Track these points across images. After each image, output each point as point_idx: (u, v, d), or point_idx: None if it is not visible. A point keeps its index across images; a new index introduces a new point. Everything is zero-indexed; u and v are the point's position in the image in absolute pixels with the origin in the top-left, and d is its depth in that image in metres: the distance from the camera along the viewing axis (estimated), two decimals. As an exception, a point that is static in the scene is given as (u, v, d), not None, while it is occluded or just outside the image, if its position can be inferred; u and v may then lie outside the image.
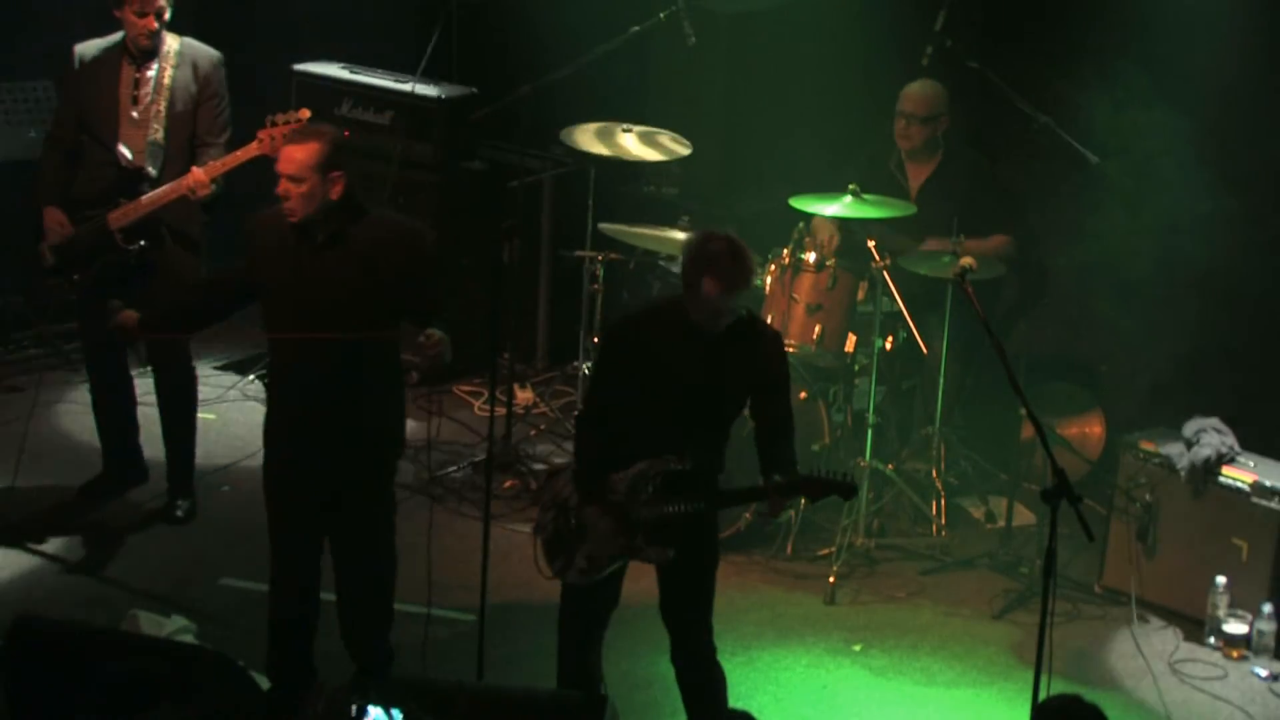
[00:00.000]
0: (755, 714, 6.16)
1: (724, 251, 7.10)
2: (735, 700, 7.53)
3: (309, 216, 7.46)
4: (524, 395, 10.48)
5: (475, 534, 7.82)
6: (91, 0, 9.00)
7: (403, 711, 6.61)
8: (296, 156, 7.45)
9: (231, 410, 10.22)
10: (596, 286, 10.13)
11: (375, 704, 6.66)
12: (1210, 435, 9.01)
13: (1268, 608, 8.73)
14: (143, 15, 8.76)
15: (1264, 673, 8.61)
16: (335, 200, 7.48)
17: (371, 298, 7.48)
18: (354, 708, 6.71)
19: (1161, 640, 8.83)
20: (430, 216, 10.14)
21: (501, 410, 9.95)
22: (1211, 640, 8.80)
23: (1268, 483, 8.81)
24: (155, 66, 8.88)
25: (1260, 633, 8.70)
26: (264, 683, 7.76)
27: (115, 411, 9.39)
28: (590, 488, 7.30)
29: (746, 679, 8.10)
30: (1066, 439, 9.76)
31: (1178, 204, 9.85)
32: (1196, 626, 8.87)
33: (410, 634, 7.93)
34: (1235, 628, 8.74)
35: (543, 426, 10.27)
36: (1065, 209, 10.04)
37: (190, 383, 9.29)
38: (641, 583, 7.50)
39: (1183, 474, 8.96)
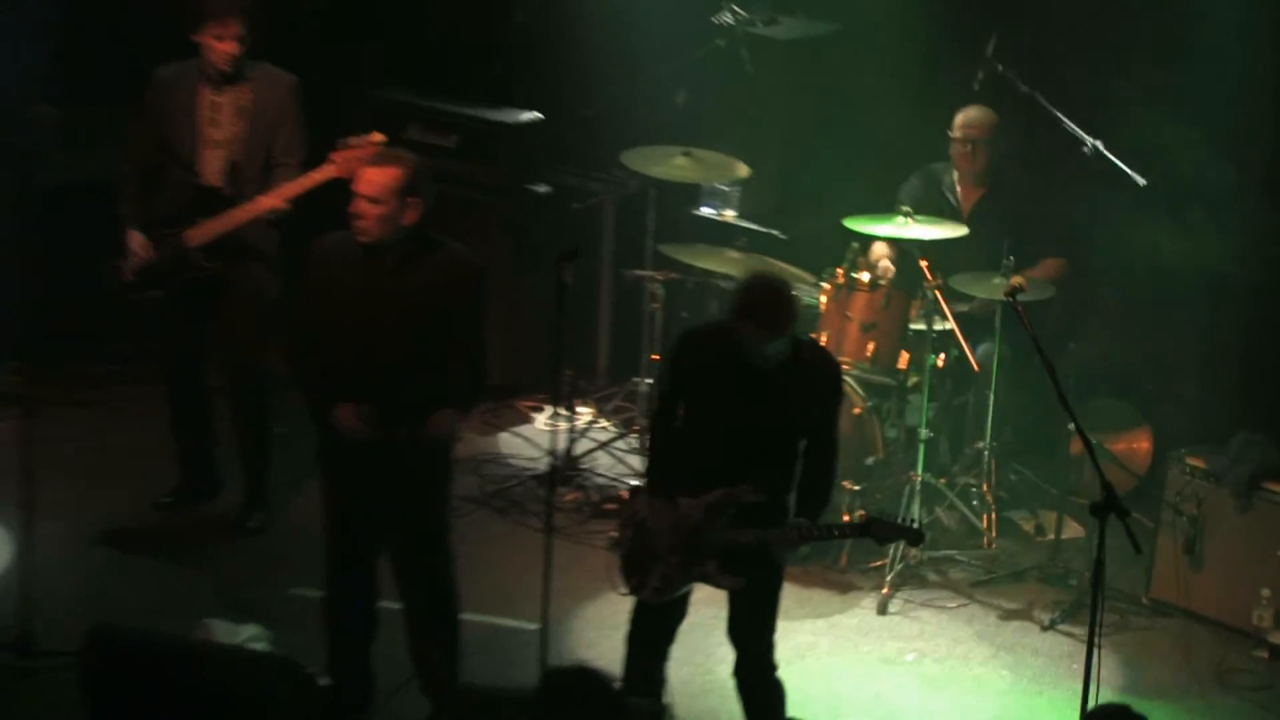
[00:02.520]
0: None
1: (764, 298, 7.14)
2: (792, 708, 7.52)
3: (381, 239, 7.47)
4: (585, 410, 10.48)
5: (537, 545, 7.82)
6: (170, 25, 9.00)
7: None
8: (377, 179, 7.45)
9: (304, 425, 10.25)
10: (656, 305, 10.17)
11: None
12: (1255, 450, 8.99)
13: (1312, 619, 8.72)
14: (221, 40, 8.82)
15: (1308, 682, 8.61)
16: (409, 226, 7.49)
17: (426, 326, 7.48)
18: None
19: (1208, 651, 8.80)
20: (494, 238, 10.17)
21: (563, 425, 9.98)
22: (1257, 651, 8.77)
23: (1312, 497, 8.81)
24: (233, 90, 8.93)
25: (1305, 644, 8.69)
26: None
27: (192, 425, 9.43)
28: (655, 485, 7.35)
29: (802, 688, 8.05)
30: (1114, 454, 9.74)
31: (1223, 225, 9.85)
32: (1243, 638, 8.85)
33: (475, 643, 7.95)
34: (1280, 639, 8.74)
35: (603, 441, 10.26)
36: (1114, 231, 10.02)
37: (265, 398, 9.31)
38: (703, 593, 7.50)
39: (1229, 488, 8.95)
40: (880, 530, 7.58)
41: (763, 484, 7.20)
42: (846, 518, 9.19)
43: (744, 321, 7.14)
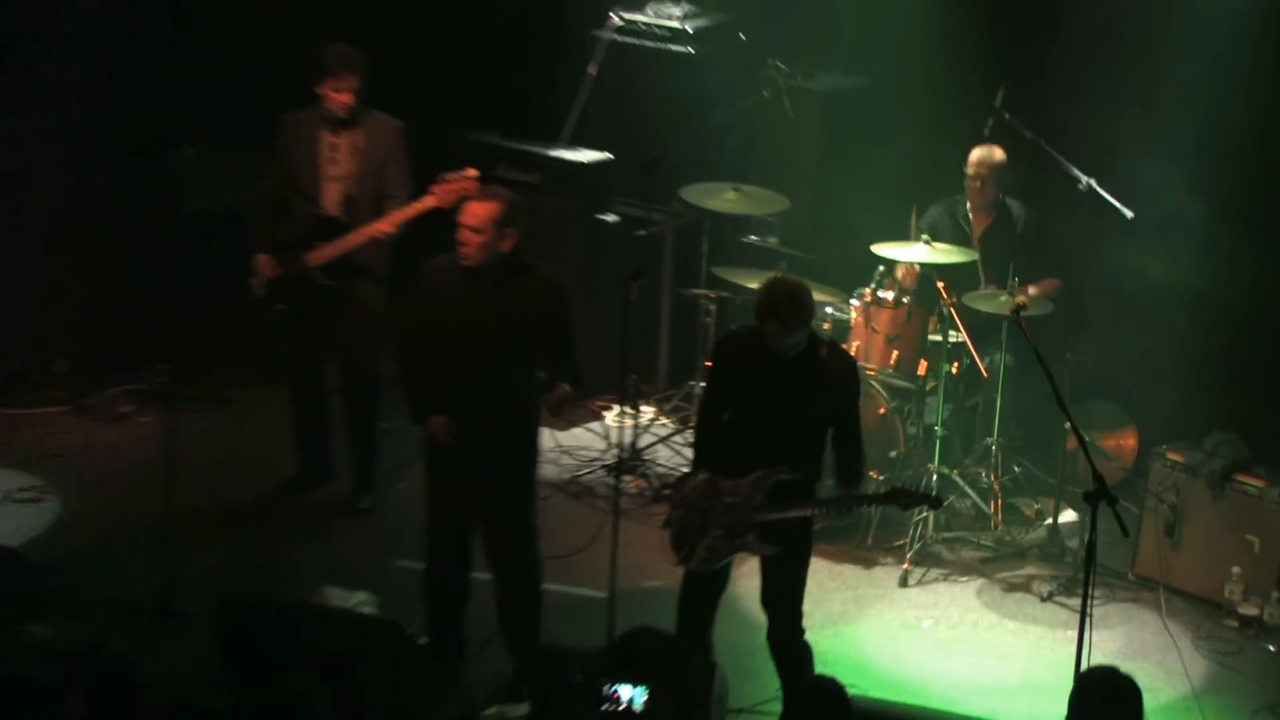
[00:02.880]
0: (840, 679, 6.14)
1: (783, 300, 7.14)
2: (822, 667, 7.49)
3: (481, 263, 7.50)
4: (648, 409, 10.50)
5: (605, 525, 7.85)
6: (296, 78, 9.05)
7: (647, 689, 6.56)
8: (479, 211, 7.49)
9: (405, 420, 10.27)
10: (709, 319, 10.16)
11: (625, 681, 6.62)
12: (1227, 447, 8.97)
13: (1276, 594, 8.66)
14: (339, 91, 8.86)
15: (1273, 649, 8.56)
16: (505, 252, 7.52)
17: (517, 339, 7.51)
18: (606, 683, 6.67)
19: (1185, 620, 8.77)
20: (571, 261, 10.16)
21: (629, 422, 10.00)
22: (1228, 621, 8.75)
23: (1277, 489, 8.75)
24: (349, 133, 8.96)
25: (1270, 614, 8.65)
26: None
27: (311, 420, 9.44)
28: (700, 468, 7.37)
29: (832, 649, 8.08)
30: (1105, 449, 9.70)
31: (1199, 250, 9.82)
32: (1215, 609, 8.82)
33: (552, 608, 7.98)
34: (1249, 610, 8.70)
35: (663, 436, 10.27)
36: (1104, 255, 9.99)
37: (374, 397, 9.32)
38: (742, 569, 7.52)
39: (1204, 480, 8.92)
40: (904, 497, 7.58)
41: (794, 466, 7.22)
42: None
43: (767, 319, 7.16)
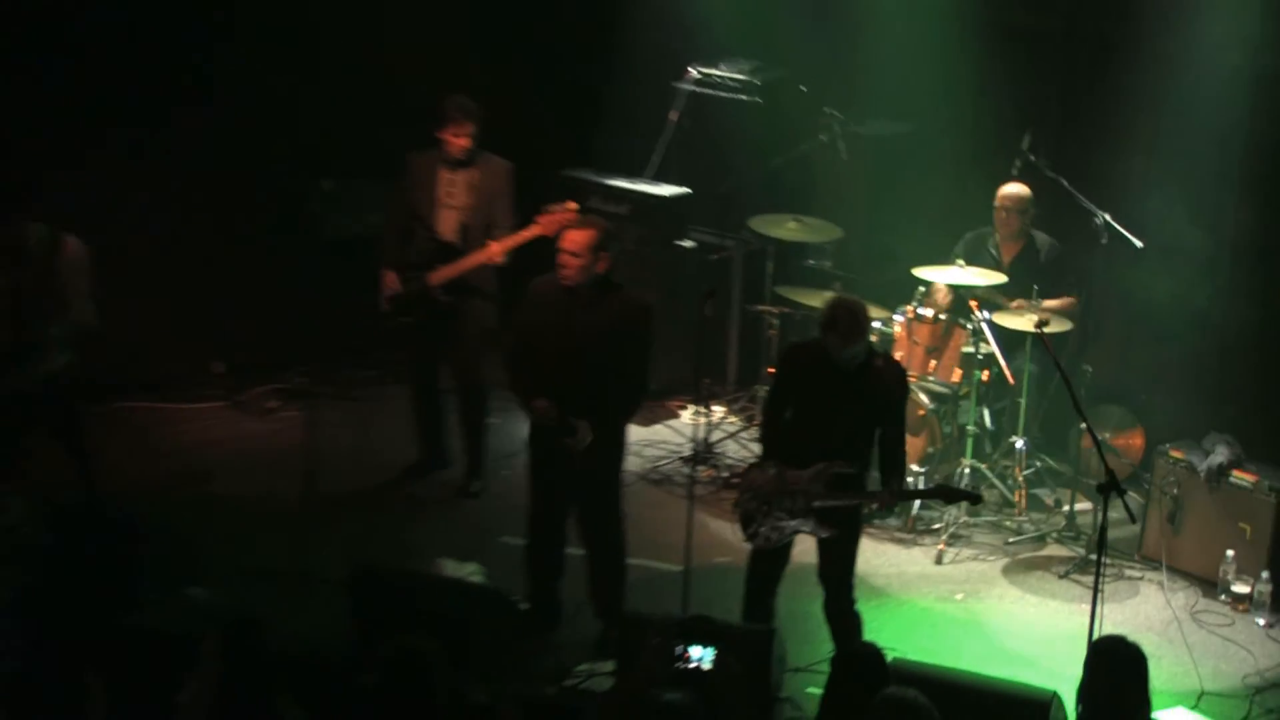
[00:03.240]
0: (883, 645, 6.14)
1: (843, 316, 7.14)
2: (868, 634, 7.51)
3: (579, 283, 7.53)
4: (719, 409, 10.51)
5: (681, 509, 7.85)
6: (420, 120, 9.10)
7: (715, 650, 6.57)
8: (578, 238, 7.51)
9: (510, 416, 10.31)
10: (772, 332, 10.17)
11: (696, 643, 6.64)
12: (1223, 447, 8.90)
13: (1265, 574, 8.60)
14: (458, 136, 8.91)
15: (1262, 622, 8.49)
16: (600, 274, 7.55)
17: (607, 349, 7.52)
18: (680, 645, 6.69)
19: (1184, 596, 8.72)
20: (653, 281, 10.15)
21: (702, 420, 10.02)
22: (1222, 597, 8.69)
23: (1266, 482, 8.70)
24: (465, 172, 8.99)
25: (1259, 592, 8.58)
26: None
27: (429, 415, 9.48)
28: (767, 459, 7.39)
29: (877, 618, 8.05)
30: (1116, 448, 9.64)
31: (1199, 275, 9.75)
32: (1211, 587, 8.75)
33: (635, 581, 8.01)
34: (1240, 588, 8.63)
35: (732, 432, 10.30)
36: (1117, 279, 9.94)
37: (483, 397, 9.35)
38: (800, 547, 7.53)
39: (1202, 474, 8.86)
40: (949, 494, 7.61)
41: (848, 460, 7.22)
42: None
43: (829, 333, 7.16)
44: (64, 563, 7.47)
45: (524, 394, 7.74)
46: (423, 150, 9.07)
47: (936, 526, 9.21)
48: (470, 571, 8.32)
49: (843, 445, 7.23)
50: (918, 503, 9.20)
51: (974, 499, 7.64)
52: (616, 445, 7.82)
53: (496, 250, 8.81)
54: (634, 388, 7.69)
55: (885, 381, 7.28)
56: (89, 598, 7.14)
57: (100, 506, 8.05)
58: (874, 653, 6.03)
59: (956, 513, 9.18)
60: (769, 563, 7.48)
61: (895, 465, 7.34)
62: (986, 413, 9.57)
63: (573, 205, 8.56)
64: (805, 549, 7.53)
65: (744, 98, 10.76)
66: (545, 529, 7.90)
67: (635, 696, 5.78)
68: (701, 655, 6.50)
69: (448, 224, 8.99)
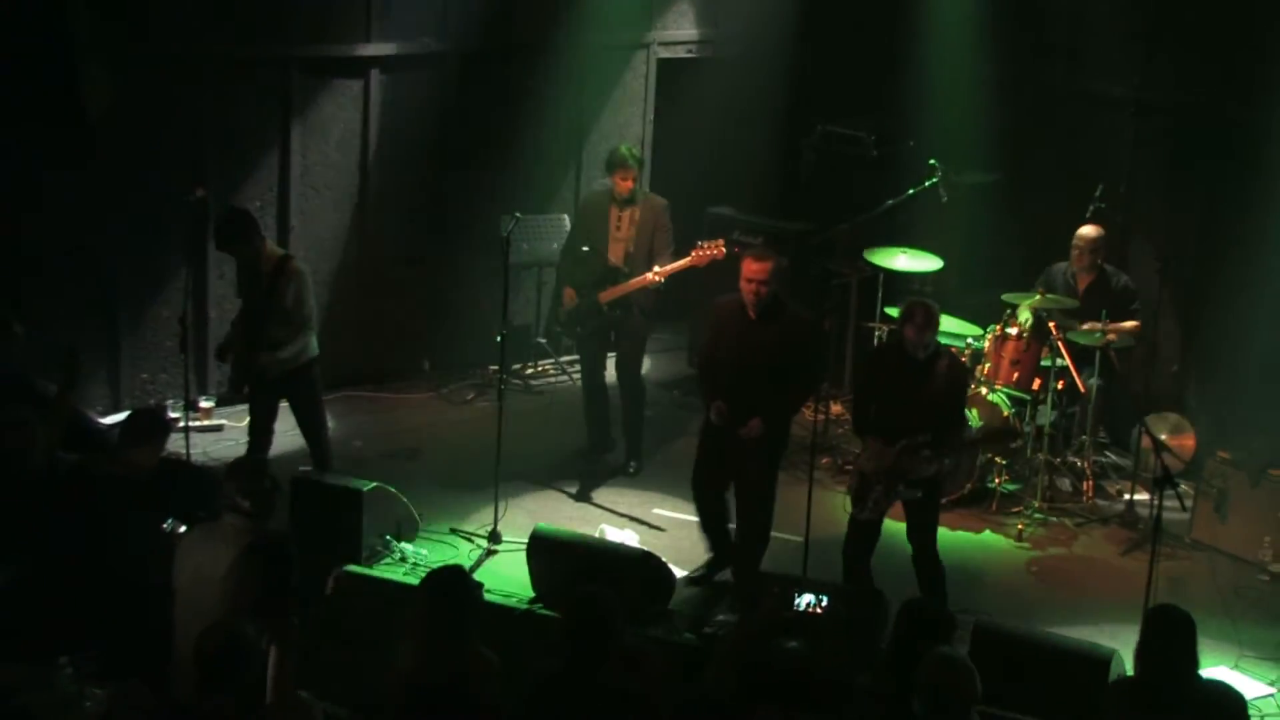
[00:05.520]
0: (968, 608, 6.07)
1: (917, 312, 7.34)
2: (958, 600, 7.50)
3: (756, 304, 7.65)
4: (836, 408, 10.52)
5: (803, 489, 7.82)
6: (593, 163, 9.19)
7: (828, 595, 6.61)
8: (758, 269, 7.63)
9: (662, 411, 10.39)
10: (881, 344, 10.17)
11: (808, 591, 6.70)
12: (1264, 449, 8.78)
13: (1298, 557, 8.51)
14: (624, 180, 9.01)
15: (1294, 597, 8.39)
16: (770, 295, 7.66)
17: (775, 360, 7.62)
18: (796, 593, 6.75)
19: (1229, 574, 8.61)
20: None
21: (821, 416, 10.04)
22: (1261, 576, 8.59)
23: (1302, 479, 8.61)
24: (630, 209, 9.07)
25: (1292, 572, 8.48)
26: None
27: (597, 406, 9.53)
28: (863, 439, 7.58)
29: (963, 585, 8.03)
30: (1171, 448, 9.52)
31: (1246, 304, 9.60)
32: (1252, 567, 8.65)
33: (774, 549, 8.07)
34: (1276, 568, 8.55)
35: (847, 427, 10.30)
36: (1176, 307, 9.82)
37: (641, 393, 9.42)
38: (892, 513, 7.56)
39: (1245, 472, 8.76)
40: (991, 434, 8.11)
41: (925, 433, 7.32)
42: (998, 481, 9.21)
43: (906, 324, 7.32)
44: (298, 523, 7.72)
45: (706, 393, 7.87)
46: (595, 191, 9.18)
47: (1017, 509, 9.18)
48: (626, 537, 8.43)
49: (918, 423, 7.33)
50: (1000, 486, 9.17)
51: (1012, 435, 7.71)
52: (781, 438, 7.91)
53: (656, 275, 8.90)
54: (799, 388, 7.82)
55: (949, 374, 7.47)
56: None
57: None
58: (934, 608, 6.02)
59: (1034, 497, 9.14)
60: (865, 534, 7.59)
61: (953, 435, 7.45)
62: (1060, 415, 9.51)
63: (721, 243, 8.65)
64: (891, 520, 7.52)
65: (860, 151, 10.76)
66: (708, 502, 8.03)
67: (754, 640, 5.79)
68: (813, 600, 6.59)
69: (615, 251, 9.08)
